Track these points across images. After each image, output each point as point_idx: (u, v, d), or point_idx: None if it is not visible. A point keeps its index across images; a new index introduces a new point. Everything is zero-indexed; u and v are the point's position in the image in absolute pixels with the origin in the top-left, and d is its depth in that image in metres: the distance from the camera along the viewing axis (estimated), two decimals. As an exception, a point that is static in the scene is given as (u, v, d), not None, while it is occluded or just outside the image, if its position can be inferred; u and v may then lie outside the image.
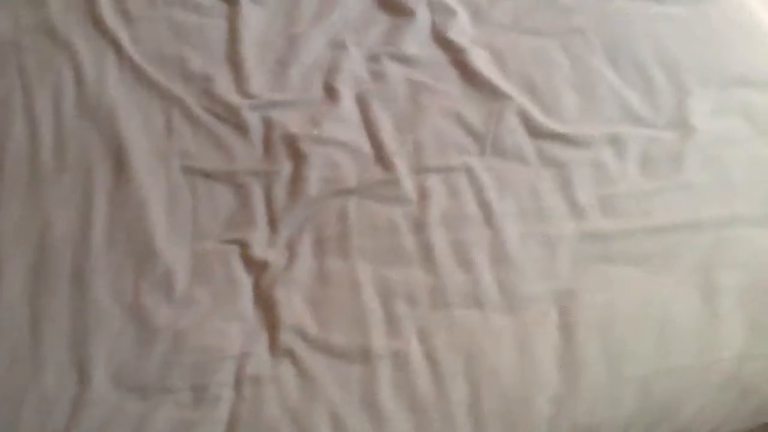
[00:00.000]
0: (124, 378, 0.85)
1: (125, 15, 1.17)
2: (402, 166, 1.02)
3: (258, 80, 1.11)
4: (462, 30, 1.16)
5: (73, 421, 0.82)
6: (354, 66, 1.12)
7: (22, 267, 0.93)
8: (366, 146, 1.04)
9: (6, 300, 0.90)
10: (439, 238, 0.96)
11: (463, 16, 1.18)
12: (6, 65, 1.12)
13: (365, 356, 0.87)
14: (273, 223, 0.98)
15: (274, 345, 0.88)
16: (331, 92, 1.10)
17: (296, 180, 1.01)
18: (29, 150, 1.03)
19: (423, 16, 1.18)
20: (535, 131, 1.05)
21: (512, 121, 1.06)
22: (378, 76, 1.12)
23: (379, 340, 0.88)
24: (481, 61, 1.12)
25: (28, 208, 0.97)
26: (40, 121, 1.06)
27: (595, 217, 0.97)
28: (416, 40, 1.15)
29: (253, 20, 1.17)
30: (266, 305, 0.91)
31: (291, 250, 0.96)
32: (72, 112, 1.07)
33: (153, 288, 0.92)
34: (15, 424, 0.81)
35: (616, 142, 1.04)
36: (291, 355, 0.87)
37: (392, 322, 0.90)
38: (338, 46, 1.15)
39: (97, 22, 1.15)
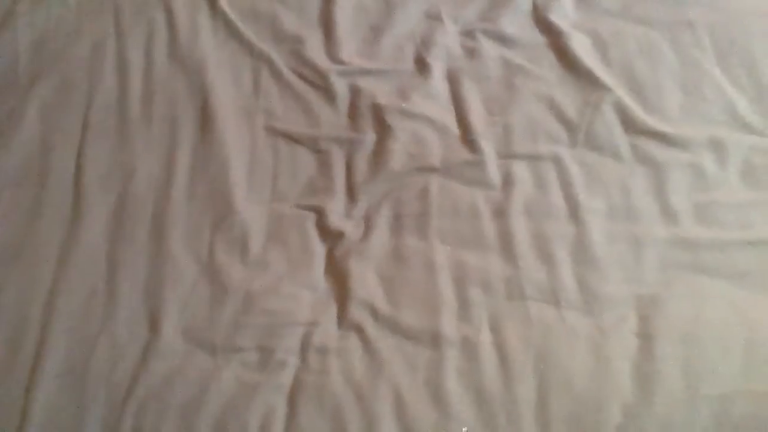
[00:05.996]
0: (194, 333, 0.86)
1: (221, -33, 1.15)
2: (488, 148, 0.99)
3: (349, 46, 1.09)
4: (564, 13, 1.11)
5: (142, 370, 0.83)
6: (448, 40, 1.09)
7: (104, 212, 0.94)
8: (453, 125, 1.02)
9: (86, 244, 0.92)
10: (521, 228, 0.92)
11: (567, -1, 1.13)
12: (103, 7, 1.12)
13: (434, 340, 0.85)
14: (352, 193, 0.97)
15: (342, 317, 0.88)
16: (422, 65, 1.07)
17: (379, 152, 0.99)
18: (119, 96, 1.04)
19: (524, -5, 1.13)
20: (632, 126, 1.00)
21: (609, 114, 1.01)
22: (472, 53, 1.08)
23: (449, 325, 0.86)
24: (581, 47, 1.07)
25: (115, 154, 0.99)
26: (131, 68, 1.07)
27: (689, 224, 0.92)
28: (515, 19, 1.11)
29: (351, -18, 1.14)
30: (338, 276, 0.90)
31: (368, 222, 0.94)
32: (162, 61, 1.08)
33: (229, 246, 0.92)
34: (86, 367, 0.83)
35: (718, 146, 0.98)
36: (359, 329, 0.86)
37: (465, 308, 0.87)
38: (434, 17, 1.12)
39: (192, -28, 1.14)
